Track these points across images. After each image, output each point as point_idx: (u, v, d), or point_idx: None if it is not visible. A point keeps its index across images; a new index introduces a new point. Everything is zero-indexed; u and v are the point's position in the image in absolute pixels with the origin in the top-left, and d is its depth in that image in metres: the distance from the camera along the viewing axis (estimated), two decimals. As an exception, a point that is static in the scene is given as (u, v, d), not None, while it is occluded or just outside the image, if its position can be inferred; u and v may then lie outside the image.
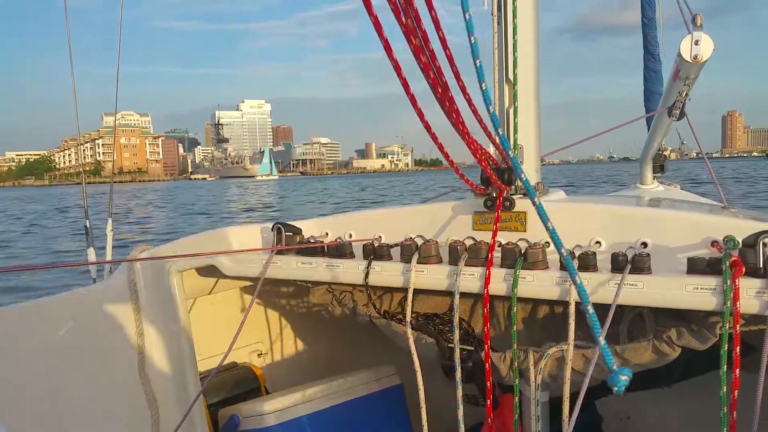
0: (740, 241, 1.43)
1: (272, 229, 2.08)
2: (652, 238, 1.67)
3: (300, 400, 2.16)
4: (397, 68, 1.20)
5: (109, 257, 2.72)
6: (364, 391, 2.29)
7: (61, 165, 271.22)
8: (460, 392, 1.77)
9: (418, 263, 1.79)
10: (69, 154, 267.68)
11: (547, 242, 1.79)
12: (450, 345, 1.80)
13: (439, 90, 1.33)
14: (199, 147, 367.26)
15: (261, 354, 2.76)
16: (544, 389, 1.88)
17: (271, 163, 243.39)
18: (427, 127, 1.40)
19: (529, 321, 2.08)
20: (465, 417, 1.80)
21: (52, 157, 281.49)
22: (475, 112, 1.59)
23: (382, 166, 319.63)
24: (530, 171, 1.95)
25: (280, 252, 2.04)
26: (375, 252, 1.89)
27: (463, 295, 1.74)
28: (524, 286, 1.62)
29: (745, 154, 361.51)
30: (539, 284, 1.60)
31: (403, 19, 1.13)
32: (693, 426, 1.97)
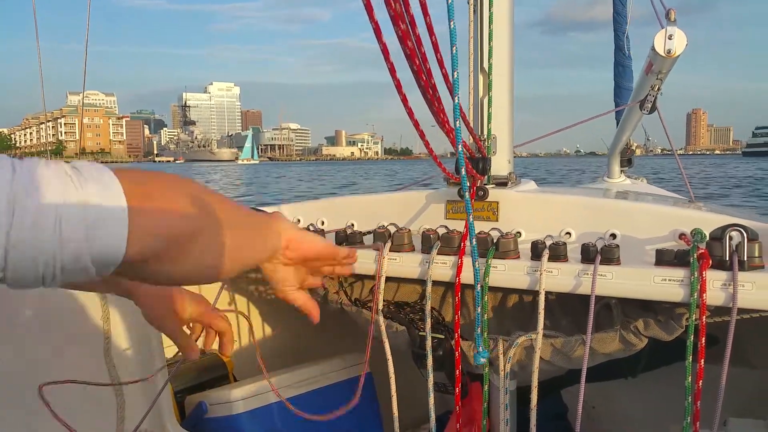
0: (707, 234, 1.46)
1: None
2: (622, 229, 1.69)
3: (269, 387, 2.14)
4: (385, 52, 1.18)
5: None
6: (334, 379, 2.29)
7: (22, 144, 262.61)
8: (431, 381, 1.78)
9: (390, 251, 1.78)
10: (30, 133, 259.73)
11: (518, 232, 1.81)
12: (421, 333, 1.81)
13: (423, 77, 1.33)
14: (165, 129, 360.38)
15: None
16: (513, 378, 1.91)
17: (253, 147, 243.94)
18: (410, 113, 1.39)
19: (500, 310, 2.10)
20: (434, 405, 1.81)
21: (12, 135, 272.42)
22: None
23: (352, 153, 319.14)
24: (503, 161, 1.96)
25: None
26: (347, 239, 1.88)
27: (435, 283, 1.74)
28: (495, 275, 1.63)
29: (708, 152, 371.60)
30: (510, 273, 1.62)
31: (392, 3, 1.12)
32: (657, 415, 2.03)
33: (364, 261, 1.83)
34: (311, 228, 1.97)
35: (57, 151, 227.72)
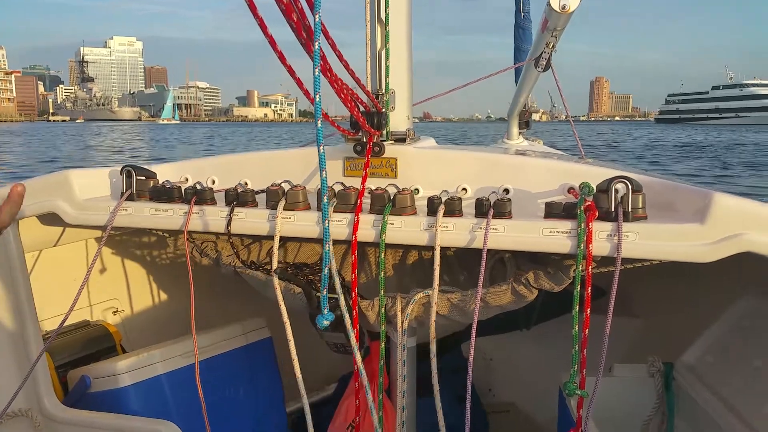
0: (595, 187, 1.48)
1: (121, 173, 1.88)
2: (515, 184, 1.71)
3: (158, 358, 2.02)
4: (252, 7, 1.13)
5: None
6: (230, 345, 2.20)
7: None
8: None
9: (284, 210, 1.69)
10: None
11: (416, 188, 1.78)
12: (318, 294, 1.75)
13: (303, 35, 1.27)
14: (62, 86, 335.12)
15: (117, 311, 2.55)
16: (412, 335, 1.90)
17: (174, 107, 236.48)
18: (290, 71, 1.32)
19: (400, 267, 2.07)
20: (337, 365, 1.77)
21: None
22: (340, 57, 1.52)
23: (265, 115, 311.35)
24: (402, 116, 1.91)
25: (131, 198, 1.85)
26: (238, 198, 1.77)
27: (334, 242, 1.68)
28: (392, 232, 1.59)
29: (608, 118, 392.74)
30: (407, 230, 1.59)
31: None
32: (551, 364, 2.11)
33: (256, 221, 1.73)
34: (198, 186, 1.83)
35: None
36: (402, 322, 1.70)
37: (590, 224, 1.40)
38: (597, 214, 1.41)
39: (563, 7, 1.85)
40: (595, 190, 1.47)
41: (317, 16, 1.23)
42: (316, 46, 1.25)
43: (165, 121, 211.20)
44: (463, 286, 1.81)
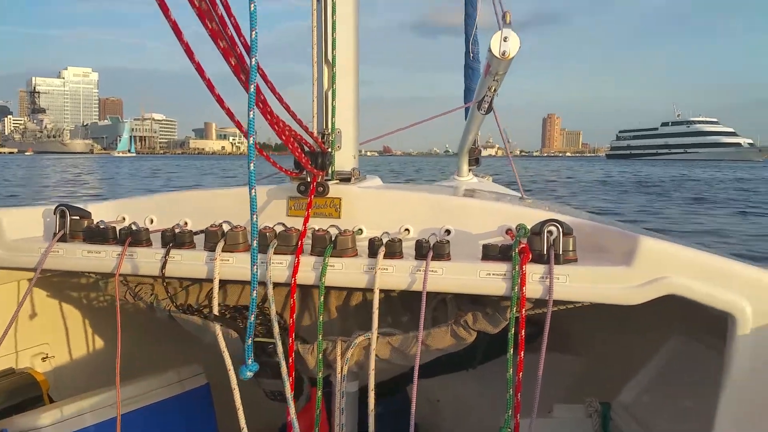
0: (530, 229, 1.50)
1: (54, 212, 1.81)
2: (456, 225, 1.72)
3: (87, 408, 1.90)
4: (188, 52, 1.14)
5: None
6: (165, 394, 2.09)
7: None
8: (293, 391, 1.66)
9: (223, 251, 1.64)
10: None
11: (360, 229, 1.76)
12: (258, 339, 1.68)
13: (242, 77, 1.28)
14: (10, 117, 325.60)
15: (46, 357, 2.41)
16: (354, 379, 1.85)
17: (131, 139, 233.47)
18: (221, 103, 1.30)
19: (343, 309, 2.03)
20: (279, 414, 1.70)
21: None
22: (280, 99, 1.51)
23: (223, 148, 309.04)
24: (348, 156, 1.90)
25: (63, 239, 1.77)
26: (175, 239, 1.70)
27: (276, 284, 1.63)
28: (333, 274, 1.56)
29: (560, 154, 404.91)
30: (347, 272, 1.56)
31: (197, 1, 1.10)
32: (496, 404, 2.09)
33: (194, 263, 1.67)
34: (134, 227, 1.75)
35: None
36: (342, 367, 1.66)
37: (524, 267, 1.42)
38: (531, 256, 1.44)
39: (503, 53, 1.89)
40: (530, 233, 1.49)
41: (254, 59, 1.22)
42: (252, 89, 1.24)
43: (120, 154, 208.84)
44: (406, 327, 1.78)
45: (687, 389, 1.94)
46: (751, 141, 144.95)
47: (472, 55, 4.34)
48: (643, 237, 1.43)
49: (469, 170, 4.50)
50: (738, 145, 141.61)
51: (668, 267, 1.39)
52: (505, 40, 1.89)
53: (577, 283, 1.42)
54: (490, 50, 1.92)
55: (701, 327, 1.82)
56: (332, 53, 1.82)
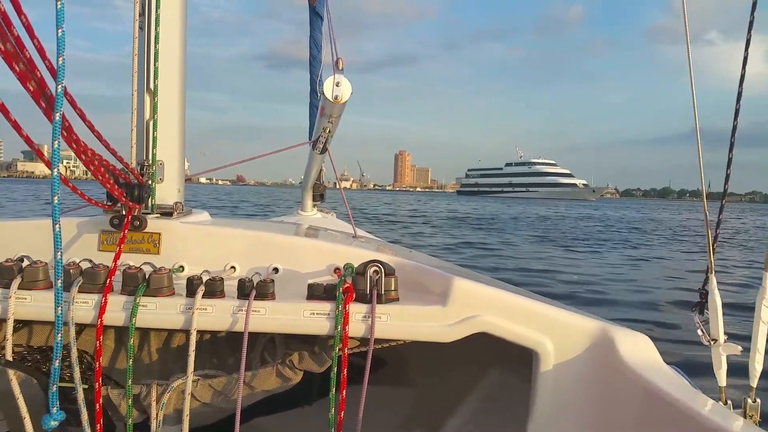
0: (355, 269, 1.54)
1: None
2: (285, 263, 1.70)
3: None
4: None
5: None
6: None
7: None
8: None
9: (19, 289, 1.49)
10: None
11: (181, 266, 1.69)
12: (63, 385, 1.53)
13: (43, 104, 1.19)
14: None
15: None
16: (175, 423, 1.75)
17: None
18: (29, 143, 1.22)
19: (164, 351, 1.92)
20: None
21: None
22: (91, 127, 1.43)
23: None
24: (171, 189, 1.82)
25: None
26: None
27: (85, 325, 1.51)
28: (145, 315, 1.47)
29: (411, 189, 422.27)
30: (161, 312, 1.48)
31: None
32: None
33: None
34: None
35: None
36: (157, 413, 1.56)
37: (348, 306, 1.44)
38: (354, 296, 1.47)
39: (336, 98, 1.95)
40: (355, 273, 1.53)
41: (60, 86, 1.14)
42: (57, 117, 1.16)
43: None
44: (231, 369, 1.72)
45: (509, 421, 2.06)
46: (585, 182, 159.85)
47: (318, 94, 4.44)
48: (457, 278, 1.53)
49: (314, 205, 4.53)
50: (574, 185, 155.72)
51: (479, 306, 1.49)
52: (337, 85, 1.95)
53: (398, 322, 1.47)
54: (323, 94, 1.97)
55: (516, 361, 1.98)
56: (154, 82, 1.76)
